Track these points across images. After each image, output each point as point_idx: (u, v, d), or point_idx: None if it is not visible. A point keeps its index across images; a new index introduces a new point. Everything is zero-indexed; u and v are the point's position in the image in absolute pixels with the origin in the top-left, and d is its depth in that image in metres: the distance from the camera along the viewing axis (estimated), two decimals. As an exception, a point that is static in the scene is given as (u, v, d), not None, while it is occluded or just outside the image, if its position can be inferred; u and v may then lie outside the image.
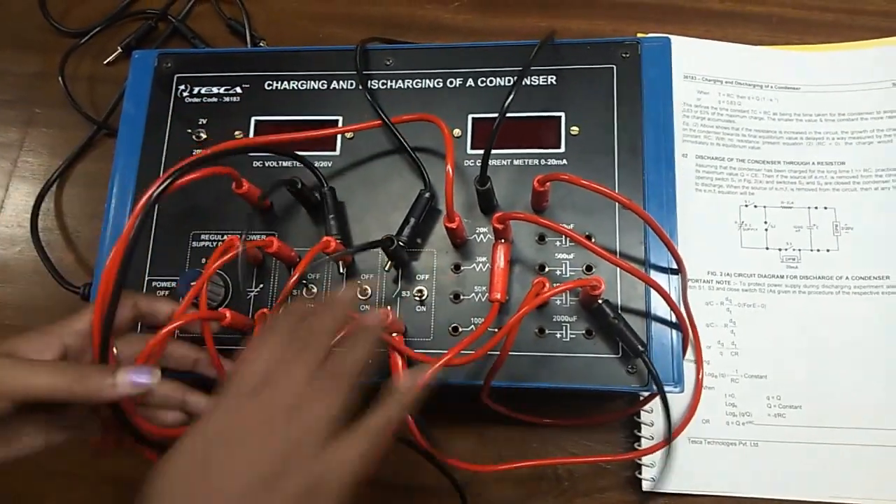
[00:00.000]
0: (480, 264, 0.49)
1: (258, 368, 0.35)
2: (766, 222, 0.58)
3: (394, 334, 0.46)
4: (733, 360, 0.55)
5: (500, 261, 0.46)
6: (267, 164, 0.53)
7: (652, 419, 0.53)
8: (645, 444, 0.52)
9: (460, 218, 0.46)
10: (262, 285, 0.50)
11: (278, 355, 0.35)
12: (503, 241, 0.46)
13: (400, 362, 0.45)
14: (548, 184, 0.45)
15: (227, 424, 0.33)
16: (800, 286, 0.56)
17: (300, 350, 0.35)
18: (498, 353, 0.43)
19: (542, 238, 0.49)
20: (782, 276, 0.57)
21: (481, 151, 0.51)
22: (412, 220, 0.48)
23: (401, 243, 0.46)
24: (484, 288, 0.48)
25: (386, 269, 0.48)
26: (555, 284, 0.45)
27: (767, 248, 0.58)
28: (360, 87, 0.53)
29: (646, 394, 0.47)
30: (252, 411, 0.33)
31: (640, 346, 0.44)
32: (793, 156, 0.60)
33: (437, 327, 0.48)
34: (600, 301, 0.45)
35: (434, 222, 0.50)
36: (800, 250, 0.57)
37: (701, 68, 0.62)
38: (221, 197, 0.51)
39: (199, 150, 0.53)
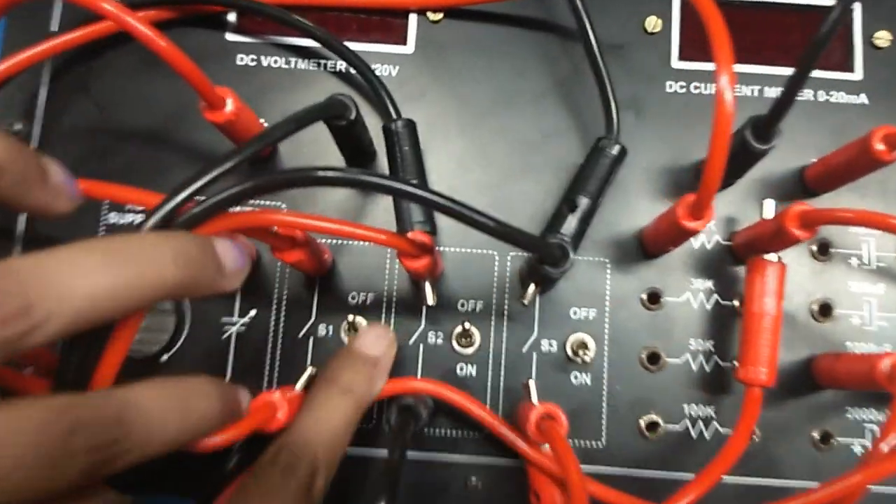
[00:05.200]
0: (701, 296, 0.25)
1: None
2: None
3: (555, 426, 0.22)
4: None
5: (771, 303, 0.22)
6: (266, 64, 0.26)
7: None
8: None
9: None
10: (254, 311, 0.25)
11: None
12: (776, 259, 0.22)
13: (556, 496, 0.21)
14: (899, 147, 0.21)
15: None
16: None
17: None
18: None
19: (823, 249, 0.25)
20: None
21: (694, 66, 0.26)
22: (584, 202, 0.23)
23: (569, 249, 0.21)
24: (708, 345, 0.24)
25: (525, 301, 0.23)
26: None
27: None
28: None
29: None
30: None
31: None
32: None
33: (612, 419, 0.24)
34: None
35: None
36: None
37: None
38: (177, 120, 0.25)
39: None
